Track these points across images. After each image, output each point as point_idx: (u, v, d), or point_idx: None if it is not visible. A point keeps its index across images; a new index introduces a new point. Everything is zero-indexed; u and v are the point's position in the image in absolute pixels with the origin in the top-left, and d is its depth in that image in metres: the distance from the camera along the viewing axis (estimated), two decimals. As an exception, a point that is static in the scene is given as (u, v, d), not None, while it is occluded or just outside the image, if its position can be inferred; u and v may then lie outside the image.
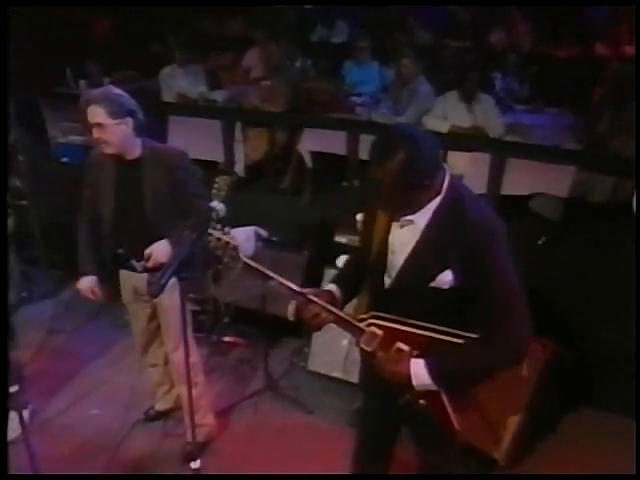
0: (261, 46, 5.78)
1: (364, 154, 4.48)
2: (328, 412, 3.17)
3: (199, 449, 2.80)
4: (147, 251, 2.42)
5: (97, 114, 2.34)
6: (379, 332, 1.77)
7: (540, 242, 3.96)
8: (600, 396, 3.18)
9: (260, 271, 1.79)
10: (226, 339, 3.65)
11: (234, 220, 3.81)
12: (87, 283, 2.57)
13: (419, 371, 1.72)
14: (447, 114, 4.31)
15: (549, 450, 2.96)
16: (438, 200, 1.69)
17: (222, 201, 3.73)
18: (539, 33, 5.73)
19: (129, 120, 2.38)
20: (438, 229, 1.70)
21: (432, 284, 1.71)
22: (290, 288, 1.80)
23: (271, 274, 1.80)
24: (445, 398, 1.82)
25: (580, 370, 3.10)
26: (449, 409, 1.83)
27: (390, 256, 1.80)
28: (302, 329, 3.30)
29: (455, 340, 1.75)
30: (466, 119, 4.28)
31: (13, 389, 2.24)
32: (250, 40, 6.09)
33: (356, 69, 5.45)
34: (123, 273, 2.63)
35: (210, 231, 1.75)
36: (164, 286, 1.63)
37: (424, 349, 1.75)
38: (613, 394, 3.14)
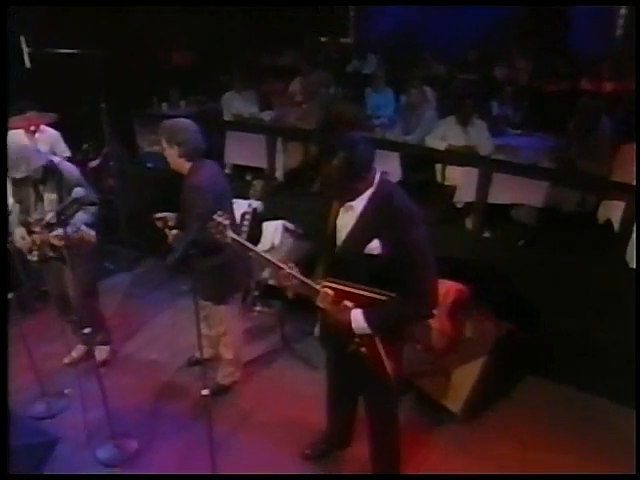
0: (303, 75, 5.99)
1: (378, 165, 4.61)
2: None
3: (224, 390, 3.12)
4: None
5: (160, 140, 2.69)
6: (330, 292, 2.01)
7: (519, 244, 4.02)
8: (550, 369, 3.24)
9: (243, 245, 2.05)
10: (256, 308, 3.79)
11: (273, 215, 4.10)
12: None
13: (357, 317, 1.98)
14: (446, 135, 4.37)
15: (503, 411, 3.04)
16: (371, 191, 1.94)
17: (258, 199, 4.02)
18: (536, 69, 5.66)
19: (176, 148, 2.65)
20: (370, 212, 1.95)
21: (365, 251, 1.94)
22: (265, 258, 2.05)
23: (251, 246, 2.06)
24: (380, 347, 2.04)
25: (533, 348, 3.16)
26: (383, 356, 2.05)
27: (338, 235, 2.06)
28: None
29: (384, 299, 1.98)
30: (461, 139, 4.33)
31: (87, 330, 2.62)
32: (297, 70, 6.33)
33: (374, 95, 5.52)
34: None
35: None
36: (177, 259, 1.90)
37: (363, 305, 1.99)
38: (564, 369, 3.20)
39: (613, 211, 3.66)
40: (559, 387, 3.19)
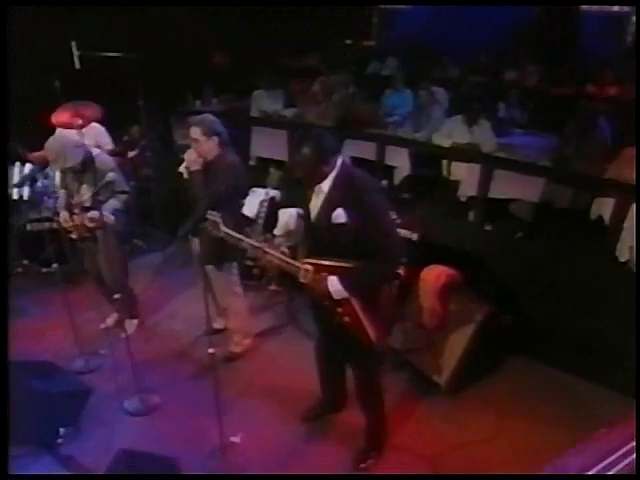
0: (324, 76, 6.10)
1: (389, 160, 4.72)
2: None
3: (236, 357, 3.33)
4: None
5: (195, 132, 2.79)
6: (310, 268, 2.18)
7: (517, 237, 4.05)
8: (533, 350, 3.30)
9: (233, 236, 2.25)
10: (270, 287, 4.02)
11: (293, 203, 4.25)
12: None
13: (333, 282, 2.15)
14: (452, 133, 4.41)
15: (484, 386, 3.11)
16: (335, 173, 2.13)
17: (275, 188, 4.18)
18: (543, 73, 5.59)
19: (214, 138, 2.77)
20: (335, 190, 2.13)
21: (332, 221, 2.11)
22: (251, 244, 2.24)
23: (239, 237, 2.25)
24: (361, 315, 2.19)
25: (518, 330, 3.24)
26: (365, 323, 2.20)
27: (312, 216, 2.24)
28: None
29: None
30: (466, 137, 4.36)
31: (117, 296, 2.87)
32: (320, 71, 6.45)
33: (393, 96, 5.56)
34: None
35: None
36: (186, 232, 2.11)
37: (338, 274, 2.15)
38: (547, 350, 3.27)
39: (605, 208, 3.66)
40: (539, 365, 3.26)
